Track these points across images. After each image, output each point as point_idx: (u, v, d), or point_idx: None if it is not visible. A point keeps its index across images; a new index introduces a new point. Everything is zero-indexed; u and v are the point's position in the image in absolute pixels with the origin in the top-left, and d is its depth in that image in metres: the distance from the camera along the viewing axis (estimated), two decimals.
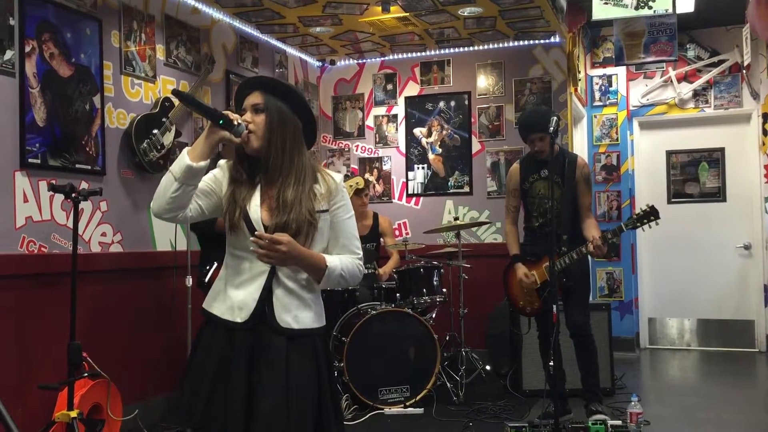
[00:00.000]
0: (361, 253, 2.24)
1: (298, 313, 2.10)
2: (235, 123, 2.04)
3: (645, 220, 4.01)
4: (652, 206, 4.03)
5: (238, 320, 2.09)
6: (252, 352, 2.07)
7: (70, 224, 3.50)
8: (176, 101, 4.57)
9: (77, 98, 3.95)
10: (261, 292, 2.09)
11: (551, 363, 3.69)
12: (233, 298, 2.11)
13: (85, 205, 3.94)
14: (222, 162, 2.21)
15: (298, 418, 2.04)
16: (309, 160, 2.17)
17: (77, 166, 3.94)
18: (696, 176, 7.10)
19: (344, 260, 2.16)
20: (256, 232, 2.03)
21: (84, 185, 3.92)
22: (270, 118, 2.10)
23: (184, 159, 2.01)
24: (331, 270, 2.11)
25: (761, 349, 6.78)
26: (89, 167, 4.02)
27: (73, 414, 3.18)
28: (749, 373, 6.12)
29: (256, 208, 2.10)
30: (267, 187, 2.13)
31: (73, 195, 3.30)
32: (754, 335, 6.84)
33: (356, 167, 6.65)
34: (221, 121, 2.03)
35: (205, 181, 2.15)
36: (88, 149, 4.01)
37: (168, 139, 4.48)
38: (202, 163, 2.02)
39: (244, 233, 2.09)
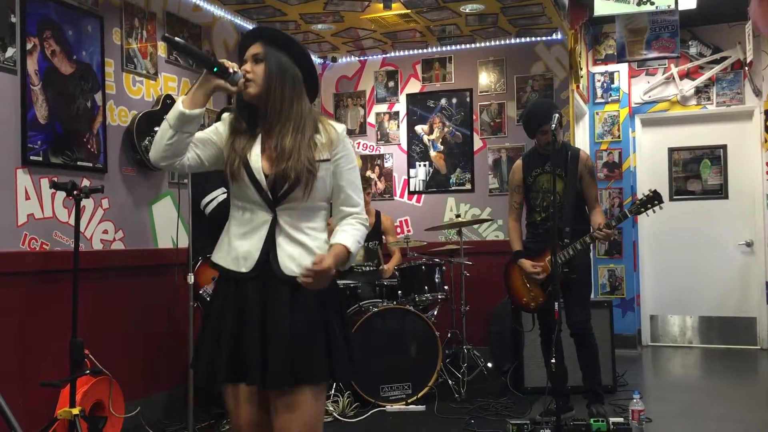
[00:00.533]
0: (362, 203, 2.25)
1: (302, 261, 2.10)
2: (231, 71, 2.04)
3: (649, 205, 4.00)
4: (655, 191, 4.01)
5: (244, 270, 2.11)
6: (260, 301, 2.09)
7: (72, 222, 3.51)
8: (177, 99, 4.56)
9: (79, 95, 3.95)
10: (264, 241, 2.11)
11: (553, 360, 3.69)
12: (237, 249, 2.13)
13: (87, 203, 3.95)
14: (225, 115, 2.24)
15: (306, 368, 2.06)
16: (310, 110, 2.19)
17: (79, 163, 3.94)
18: (698, 173, 7.09)
19: (354, 232, 2.18)
20: (305, 267, 2.03)
21: (86, 183, 3.92)
22: (269, 67, 2.11)
23: (178, 106, 2.05)
24: (353, 252, 2.15)
25: (763, 346, 6.77)
26: (91, 165, 4.02)
27: (75, 411, 3.19)
28: (751, 370, 6.11)
29: (256, 158, 2.13)
30: (267, 137, 2.16)
31: (75, 192, 3.30)
32: (755, 332, 6.83)
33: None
34: (215, 69, 2.03)
35: (206, 132, 2.19)
36: (89, 147, 4.01)
37: None
38: (196, 111, 2.05)
39: (245, 183, 2.12)
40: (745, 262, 6.89)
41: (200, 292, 3.94)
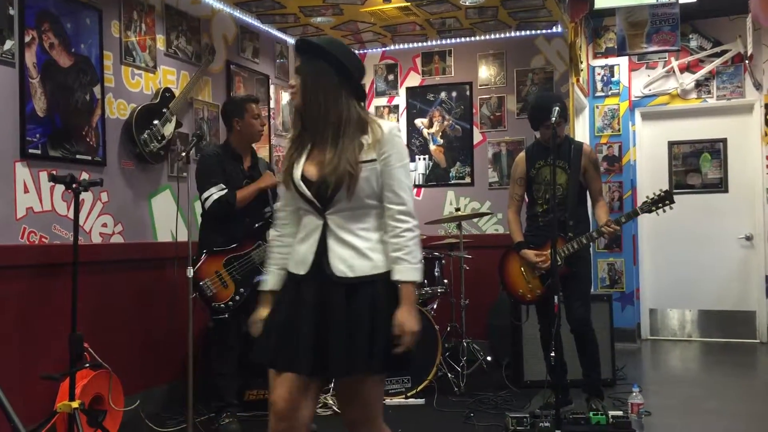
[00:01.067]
0: (407, 205, 2.25)
1: (353, 263, 2.19)
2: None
3: (660, 204, 4.04)
4: (667, 191, 4.06)
5: (302, 273, 2.24)
6: (316, 301, 2.19)
7: (71, 215, 3.50)
8: (176, 92, 4.56)
9: (77, 88, 3.93)
10: (317, 245, 2.22)
11: (552, 354, 3.69)
12: (298, 253, 2.28)
13: (86, 196, 3.94)
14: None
15: (355, 365, 2.15)
16: (354, 111, 2.26)
17: (78, 156, 3.93)
18: (698, 167, 7.08)
19: (405, 256, 2.20)
20: (396, 346, 2.15)
21: (84, 176, 3.90)
22: (302, 79, 2.24)
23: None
24: (419, 279, 2.22)
25: (762, 339, 6.78)
26: (90, 158, 4.01)
27: (75, 404, 3.19)
28: (750, 363, 6.12)
29: (300, 168, 2.25)
30: (314, 145, 2.28)
31: (74, 185, 3.29)
32: (755, 326, 6.84)
33: None
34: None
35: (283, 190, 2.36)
36: (88, 140, 4.00)
37: (168, 129, 4.47)
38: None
39: (293, 192, 2.27)
40: (744, 255, 6.89)
41: (200, 284, 3.94)
